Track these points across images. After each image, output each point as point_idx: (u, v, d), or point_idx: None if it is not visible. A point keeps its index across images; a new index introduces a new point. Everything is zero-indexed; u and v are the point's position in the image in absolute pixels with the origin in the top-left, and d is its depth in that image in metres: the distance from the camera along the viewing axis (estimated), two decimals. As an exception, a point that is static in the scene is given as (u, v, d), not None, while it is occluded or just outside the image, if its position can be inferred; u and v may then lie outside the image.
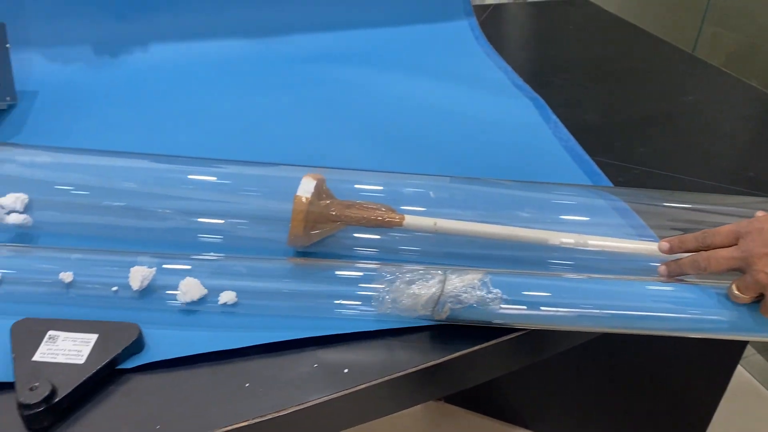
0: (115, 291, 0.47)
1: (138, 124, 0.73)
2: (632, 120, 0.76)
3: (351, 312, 0.47)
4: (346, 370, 0.44)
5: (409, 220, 0.51)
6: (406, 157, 0.67)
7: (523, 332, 0.47)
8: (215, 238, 0.54)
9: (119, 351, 0.43)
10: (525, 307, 0.46)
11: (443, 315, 0.45)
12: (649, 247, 0.51)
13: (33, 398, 0.39)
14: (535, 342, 0.49)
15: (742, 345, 0.94)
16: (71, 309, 0.47)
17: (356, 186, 0.56)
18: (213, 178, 0.58)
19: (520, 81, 0.81)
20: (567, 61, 0.91)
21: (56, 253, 0.50)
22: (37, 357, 0.42)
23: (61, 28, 0.81)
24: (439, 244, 0.53)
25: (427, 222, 0.51)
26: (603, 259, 0.53)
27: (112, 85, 0.79)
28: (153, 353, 0.44)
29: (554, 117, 0.73)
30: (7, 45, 0.73)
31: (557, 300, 0.46)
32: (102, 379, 0.42)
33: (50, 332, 0.44)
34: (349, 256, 0.53)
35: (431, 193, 0.57)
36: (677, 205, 0.58)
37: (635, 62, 0.93)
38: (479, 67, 0.86)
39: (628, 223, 0.54)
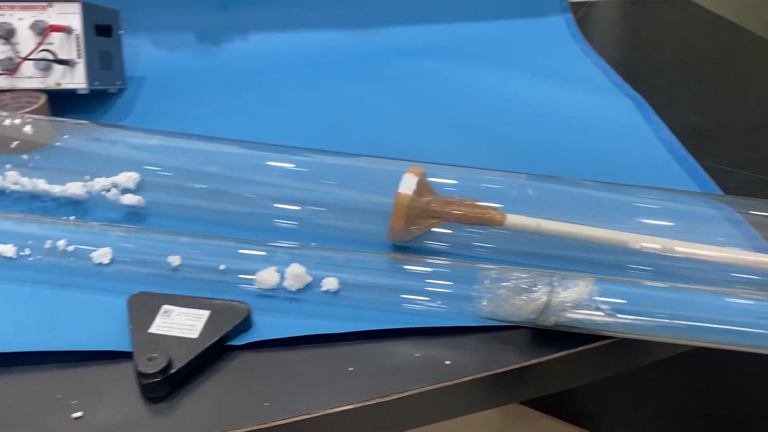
0: (222, 275, 0.49)
1: (236, 110, 0.76)
2: (739, 123, 0.73)
3: (450, 309, 0.47)
4: (448, 362, 0.44)
5: (511, 219, 0.50)
6: (498, 154, 0.67)
7: (622, 339, 0.46)
8: (312, 229, 0.55)
9: (230, 328, 0.44)
10: (627, 316, 0.44)
11: (546, 324, 0.45)
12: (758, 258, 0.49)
13: (151, 368, 0.41)
14: (635, 349, 0.48)
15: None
16: (180, 290, 0.48)
17: (445, 180, 0.56)
18: (304, 169, 0.59)
19: (619, 80, 0.79)
20: (667, 60, 0.88)
21: (165, 236, 0.52)
22: (153, 329, 0.44)
23: (168, 15, 0.84)
24: (518, 243, 0.53)
25: (529, 222, 0.50)
26: (707, 269, 0.51)
27: (213, 72, 0.82)
28: (260, 333, 0.45)
29: (656, 117, 0.71)
30: (120, 31, 0.77)
31: (662, 311, 0.45)
32: (213, 354, 0.44)
33: (165, 306, 0.46)
34: (443, 252, 0.53)
35: (530, 191, 0.56)
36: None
37: (739, 63, 0.89)
38: (576, 65, 0.84)
39: (743, 235, 0.52)
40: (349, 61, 0.84)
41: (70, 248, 0.51)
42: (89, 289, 0.49)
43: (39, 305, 0.48)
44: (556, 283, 0.45)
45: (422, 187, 0.52)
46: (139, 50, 0.84)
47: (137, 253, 0.51)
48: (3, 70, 0.68)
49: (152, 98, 0.77)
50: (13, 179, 0.59)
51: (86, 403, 0.41)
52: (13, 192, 0.59)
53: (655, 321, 0.44)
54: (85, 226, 0.53)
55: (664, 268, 0.51)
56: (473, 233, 0.53)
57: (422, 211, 0.51)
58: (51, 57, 0.67)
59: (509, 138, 0.69)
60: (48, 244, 0.51)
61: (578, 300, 0.44)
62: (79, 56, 0.68)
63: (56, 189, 0.57)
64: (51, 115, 0.69)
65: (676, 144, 0.66)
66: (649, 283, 0.47)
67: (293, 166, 0.58)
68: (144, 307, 0.46)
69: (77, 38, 0.68)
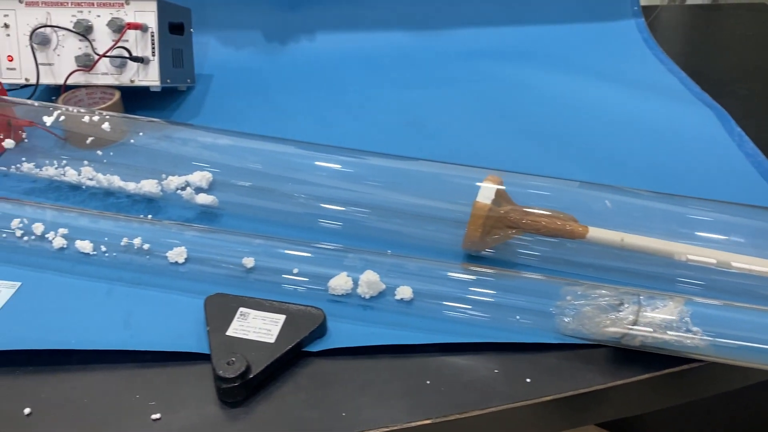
0: (295, 279, 0.49)
1: (302, 111, 0.75)
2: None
3: (529, 324, 0.46)
4: (528, 380, 0.42)
5: (593, 232, 0.48)
6: (570, 163, 0.65)
7: (710, 363, 0.43)
8: (382, 235, 0.54)
9: (306, 334, 0.44)
10: (716, 338, 0.42)
11: (632, 344, 0.43)
12: None
13: (230, 372, 0.40)
14: (725, 374, 0.46)
15: None
16: (252, 292, 0.48)
17: (517, 189, 0.55)
18: (377, 175, 0.58)
19: (697, 88, 0.76)
20: (748, 69, 0.84)
21: (239, 237, 0.52)
22: (230, 332, 0.44)
23: (236, 14, 0.85)
24: (574, 253, 0.51)
25: (612, 236, 0.48)
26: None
27: (280, 71, 0.82)
28: (335, 340, 0.45)
29: (738, 129, 0.68)
30: (191, 29, 0.77)
31: (754, 335, 0.43)
32: (289, 360, 0.43)
33: (241, 309, 0.45)
34: (520, 265, 0.51)
35: (607, 202, 0.55)
36: None
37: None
38: (649, 71, 0.81)
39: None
40: (416, 63, 0.83)
41: (146, 246, 0.51)
42: (164, 287, 0.50)
43: (115, 303, 0.48)
44: (644, 302, 0.43)
45: (500, 197, 0.50)
46: (207, 48, 0.85)
47: (211, 254, 0.51)
48: (80, 66, 0.69)
49: (220, 96, 0.78)
50: (89, 175, 0.60)
51: (164, 405, 0.41)
52: (89, 187, 0.60)
53: (749, 345, 0.42)
54: (159, 224, 0.54)
55: (750, 287, 0.49)
56: (539, 243, 0.52)
57: (500, 221, 0.50)
58: (127, 54, 0.68)
59: (583, 146, 0.67)
60: (124, 242, 0.51)
61: (667, 320, 0.42)
62: (153, 54, 0.69)
63: (131, 186, 0.58)
64: (124, 112, 0.70)
65: (761, 158, 0.63)
66: (742, 305, 0.45)
67: (366, 171, 0.57)
68: (220, 308, 0.46)
69: (152, 36, 0.68)
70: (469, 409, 0.41)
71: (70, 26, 0.68)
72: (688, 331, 0.42)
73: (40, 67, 0.69)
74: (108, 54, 0.68)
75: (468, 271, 0.49)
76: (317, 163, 0.58)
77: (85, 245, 0.52)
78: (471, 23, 0.87)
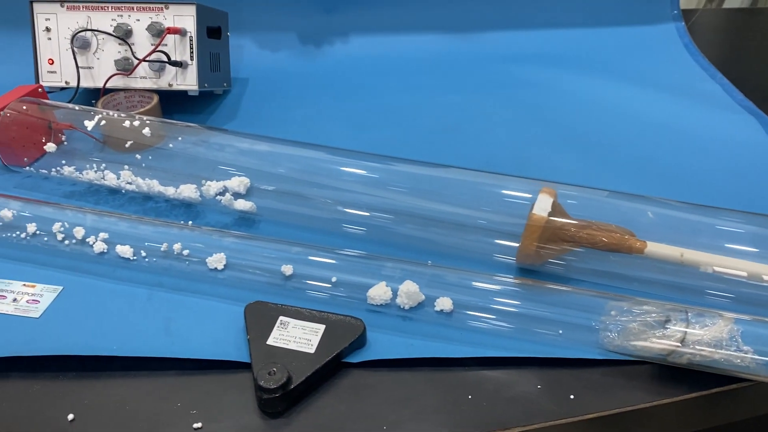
0: (333, 288, 0.49)
1: (338, 115, 0.75)
2: None
3: (572, 339, 0.45)
4: (572, 397, 0.42)
5: (652, 247, 0.47)
6: (613, 173, 0.64)
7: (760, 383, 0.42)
8: (426, 246, 0.54)
9: (346, 345, 0.44)
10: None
11: (679, 362, 0.42)
12: None
13: (272, 383, 0.40)
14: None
15: None
16: (290, 300, 0.48)
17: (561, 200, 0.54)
18: (424, 184, 0.57)
19: (740, 95, 0.75)
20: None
21: (278, 245, 0.52)
22: (270, 341, 0.44)
23: (272, 17, 0.85)
24: (604, 263, 0.50)
25: (672, 252, 0.47)
26: None
27: (316, 74, 0.82)
28: (375, 351, 0.45)
29: (785, 139, 0.67)
30: (228, 33, 0.77)
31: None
32: (329, 371, 0.43)
33: (281, 318, 0.45)
34: (575, 280, 0.50)
35: (649, 213, 0.54)
36: None
37: None
38: (690, 77, 0.80)
39: None
40: (454, 67, 0.82)
41: (185, 252, 0.51)
42: (204, 294, 0.50)
43: (156, 309, 0.49)
44: (692, 320, 0.42)
45: (556, 209, 0.49)
46: (242, 52, 0.85)
47: (250, 261, 0.51)
48: (119, 69, 0.69)
49: (256, 100, 0.78)
50: (128, 179, 0.60)
51: (204, 414, 0.41)
52: (128, 191, 0.60)
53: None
54: (199, 230, 0.54)
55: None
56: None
57: (556, 234, 0.48)
58: (165, 58, 0.68)
59: (624, 154, 0.66)
60: (164, 247, 0.52)
61: (716, 339, 0.41)
62: (191, 58, 0.69)
63: (170, 191, 0.58)
64: (161, 116, 0.70)
65: (809, 169, 0.62)
66: (793, 324, 0.43)
67: (409, 180, 0.56)
68: (260, 317, 0.46)
69: (190, 40, 0.69)
70: (511, 425, 0.40)
71: (110, 30, 0.69)
72: (738, 350, 0.41)
73: (80, 70, 0.70)
74: (147, 58, 0.68)
75: (508, 284, 0.48)
76: (355, 170, 0.58)
77: (125, 250, 0.52)
78: (508, 27, 0.86)
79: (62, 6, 0.69)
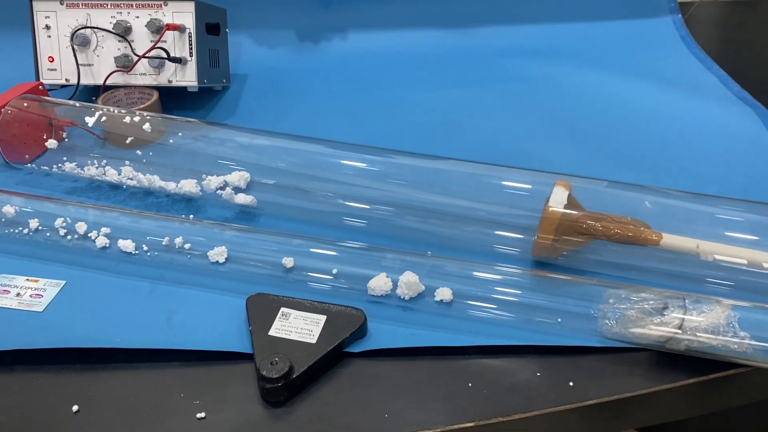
0: (334, 279, 0.49)
1: (337, 110, 0.76)
2: None
3: (571, 328, 0.45)
4: (571, 384, 0.42)
5: (667, 239, 0.47)
6: (613, 164, 0.64)
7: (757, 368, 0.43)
8: (433, 237, 0.54)
9: (347, 335, 0.44)
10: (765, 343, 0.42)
11: (677, 349, 0.43)
12: None
13: (274, 373, 0.41)
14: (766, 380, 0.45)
15: None
16: (292, 292, 0.48)
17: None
18: (427, 178, 0.57)
19: (737, 87, 0.75)
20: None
21: (279, 237, 0.52)
22: (272, 332, 0.44)
23: (270, 14, 0.85)
24: (612, 254, 0.50)
25: (687, 243, 0.47)
26: None
27: (314, 71, 0.82)
28: (375, 341, 0.45)
29: (782, 129, 0.67)
30: (227, 30, 0.78)
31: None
32: (331, 361, 0.43)
33: (283, 309, 0.46)
34: (592, 273, 0.50)
35: (647, 203, 0.54)
36: None
37: None
38: (687, 69, 0.80)
39: None
40: (449, 62, 0.82)
41: (187, 246, 0.52)
42: (205, 287, 0.50)
43: (158, 302, 0.49)
44: (689, 306, 0.42)
45: (571, 202, 0.50)
46: (241, 48, 0.85)
47: (252, 253, 0.51)
48: (119, 66, 0.70)
49: (255, 96, 0.78)
50: (129, 174, 0.60)
51: (208, 404, 0.41)
52: (129, 187, 0.61)
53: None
54: (200, 224, 0.54)
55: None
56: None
57: (572, 227, 0.48)
58: (165, 55, 0.69)
59: (622, 146, 0.67)
60: (165, 241, 0.52)
61: (714, 325, 0.41)
62: (191, 54, 0.70)
63: (171, 186, 0.59)
64: (161, 112, 0.71)
65: (806, 159, 0.62)
66: (789, 310, 0.44)
67: (411, 173, 0.57)
68: (262, 308, 0.46)
69: (190, 36, 0.69)
70: (512, 412, 0.40)
71: (110, 27, 0.69)
72: (735, 335, 0.41)
73: (80, 67, 0.70)
74: (147, 55, 0.69)
75: (508, 273, 0.48)
76: (355, 163, 0.58)
77: (127, 244, 0.52)
78: (505, 21, 0.87)
79: (62, 4, 0.70)
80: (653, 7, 0.90)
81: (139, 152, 0.62)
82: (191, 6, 0.69)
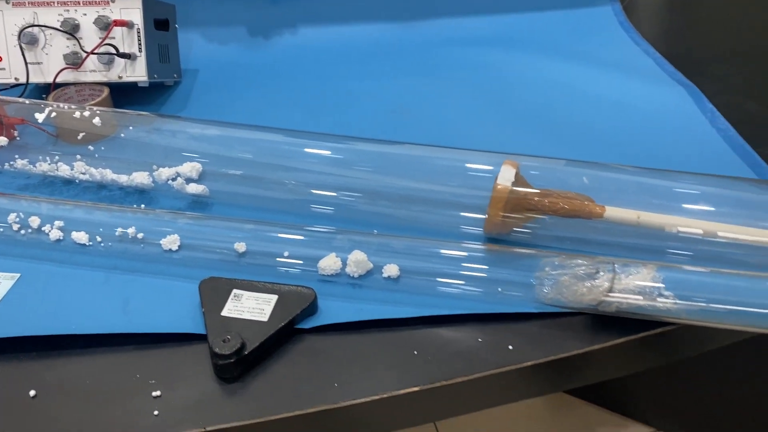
0: (285, 261, 0.51)
1: (289, 103, 0.77)
2: (797, 111, 0.72)
3: (510, 295, 0.48)
4: (510, 347, 0.44)
5: (610, 211, 0.50)
6: (555, 144, 0.67)
7: (684, 326, 0.46)
8: (395, 220, 0.56)
9: (298, 312, 0.46)
10: (689, 302, 0.44)
11: (608, 310, 0.45)
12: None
13: (226, 349, 0.42)
14: (697, 336, 0.48)
15: None
16: (245, 275, 0.50)
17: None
18: (357, 158, 0.59)
19: (671, 68, 0.79)
20: (720, 48, 0.87)
21: (231, 223, 0.54)
22: (225, 312, 0.46)
23: (220, 10, 0.86)
24: (566, 229, 0.53)
25: (629, 215, 0.50)
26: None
27: (265, 65, 0.84)
28: (326, 317, 0.47)
29: (710, 106, 0.70)
30: (176, 25, 0.79)
31: (727, 297, 0.45)
32: (282, 337, 0.45)
33: (234, 291, 0.47)
34: (541, 246, 0.52)
35: (584, 178, 0.57)
36: None
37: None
38: (626, 54, 0.84)
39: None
40: (400, 53, 0.84)
41: (140, 235, 0.53)
42: (159, 274, 0.51)
43: (113, 290, 0.50)
44: (618, 270, 0.45)
45: (518, 179, 0.52)
46: (192, 44, 0.86)
47: (204, 240, 0.53)
48: (68, 64, 0.70)
49: (206, 91, 0.79)
50: (82, 169, 0.61)
51: (163, 383, 0.43)
52: (82, 181, 0.61)
53: (720, 307, 0.44)
54: (153, 213, 0.55)
55: (736, 256, 0.51)
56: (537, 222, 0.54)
57: (520, 203, 0.51)
58: (114, 51, 0.69)
59: (566, 128, 0.70)
60: (119, 232, 0.53)
61: (641, 286, 0.44)
62: (139, 50, 0.70)
63: (123, 179, 0.60)
64: (113, 107, 0.71)
65: (732, 132, 0.66)
66: (714, 269, 0.47)
67: (356, 156, 0.59)
68: (214, 291, 0.47)
69: (138, 32, 0.70)
70: (455, 376, 0.43)
71: (58, 25, 0.70)
72: (660, 295, 0.44)
73: (29, 66, 0.71)
74: (96, 51, 0.69)
75: (450, 247, 0.51)
76: (307, 149, 0.60)
77: (80, 236, 0.53)
78: (453, 13, 0.89)
79: (8, 3, 0.70)
80: (594, -5, 0.94)
81: (91, 147, 0.63)
82: (138, 2, 0.69)
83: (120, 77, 0.71)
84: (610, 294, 0.44)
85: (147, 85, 0.72)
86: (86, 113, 0.62)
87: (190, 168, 0.59)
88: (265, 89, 0.79)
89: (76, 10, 0.70)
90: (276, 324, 0.45)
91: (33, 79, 0.71)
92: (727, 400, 1.00)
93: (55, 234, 0.54)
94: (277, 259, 0.51)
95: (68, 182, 0.62)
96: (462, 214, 0.55)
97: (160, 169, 0.59)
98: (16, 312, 0.48)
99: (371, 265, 0.50)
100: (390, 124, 0.71)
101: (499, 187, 0.51)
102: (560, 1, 0.93)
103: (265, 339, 0.44)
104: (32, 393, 0.42)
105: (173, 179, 0.58)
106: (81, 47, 0.70)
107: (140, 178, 0.59)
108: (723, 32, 0.93)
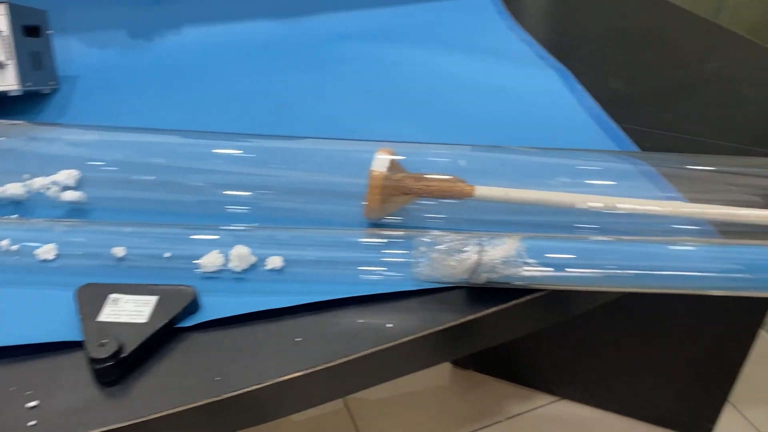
0: (167, 262, 0.50)
1: (174, 105, 0.76)
2: (657, 87, 0.77)
3: (389, 277, 0.50)
4: (389, 325, 0.46)
5: (479, 190, 0.53)
6: (438, 129, 0.69)
7: (552, 291, 0.49)
8: (282, 212, 0.57)
9: (178, 311, 0.46)
10: (553, 269, 0.48)
11: (479, 282, 0.48)
12: (682, 208, 0.53)
13: (102, 353, 0.42)
14: (563, 300, 0.51)
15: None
16: (126, 279, 0.49)
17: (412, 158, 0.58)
18: (243, 154, 0.60)
19: (544, 52, 0.83)
20: (591, 32, 0.92)
21: (109, 228, 0.53)
22: (102, 317, 0.45)
23: (98, 14, 0.84)
24: (504, 213, 0.55)
25: (497, 192, 0.53)
26: (637, 222, 0.55)
27: (149, 67, 0.82)
28: (208, 313, 0.47)
29: (579, 86, 0.75)
30: (49, 31, 0.76)
31: (586, 261, 0.48)
32: (163, 337, 0.45)
33: (112, 295, 0.47)
34: (419, 226, 0.54)
35: (461, 161, 0.59)
36: (704, 167, 0.59)
37: (659, 31, 0.94)
38: (502, 40, 0.87)
39: (656, 186, 0.56)
40: (285, 49, 0.85)
41: (14, 247, 0.51)
42: (36, 284, 0.50)
43: (-14, 305, 0.48)
44: (485, 243, 0.48)
45: (394, 165, 0.54)
46: (70, 50, 0.83)
47: (82, 247, 0.52)
48: (-70, 76, 0.67)
49: (87, 96, 0.77)
50: (-51, 185, 0.59)
51: (41, 393, 0.42)
52: (-50, 197, 0.59)
53: (582, 272, 0.47)
54: (27, 223, 0.54)
55: (608, 224, 0.54)
56: (427, 207, 0.56)
57: (396, 188, 0.53)
58: (-21, 60, 0.67)
59: (448, 113, 0.72)
60: (-10, 245, 0.51)
61: (506, 257, 0.47)
62: (8, 58, 0.68)
63: (-6, 191, 0.57)
64: (-16, 119, 0.68)
65: (598, 110, 0.70)
66: (577, 236, 0.50)
67: (241, 152, 0.60)
68: (92, 297, 0.47)
69: (5, 40, 0.67)
70: (336, 358, 0.44)
71: None
72: (525, 264, 0.47)
73: None
74: (-41, 61, 0.66)
75: (332, 235, 0.52)
76: (189, 148, 0.60)
77: (-50, 252, 0.51)
78: (336, 7, 0.90)
79: None
80: (472, -14, 0.97)
81: (-40, 162, 0.60)
82: (3, 8, 0.67)
83: (-11, 87, 0.68)
84: (479, 267, 0.47)
85: (20, 93, 0.69)
86: (-50, 126, 0.60)
87: (67, 175, 0.58)
88: (149, 92, 0.78)
89: (-65, 20, 0.67)
90: (155, 325, 0.45)
91: None
92: (619, 363, 1.07)
93: None
94: (158, 260, 0.51)
95: (-65, 199, 0.59)
96: (345, 202, 0.56)
97: (34, 178, 0.58)
98: None
99: (255, 259, 0.51)
100: (276, 121, 0.72)
101: (374, 174, 0.53)
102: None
103: (144, 340, 0.44)
104: None
105: (47, 188, 0.57)
106: (-57, 58, 0.67)
107: (12, 189, 0.57)
108: (592, 17, 0.99)
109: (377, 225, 0.55)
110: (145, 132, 0.63)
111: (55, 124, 0.65)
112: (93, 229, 0.53)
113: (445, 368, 1.19)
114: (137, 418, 0.41)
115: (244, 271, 0.50)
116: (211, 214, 0.56)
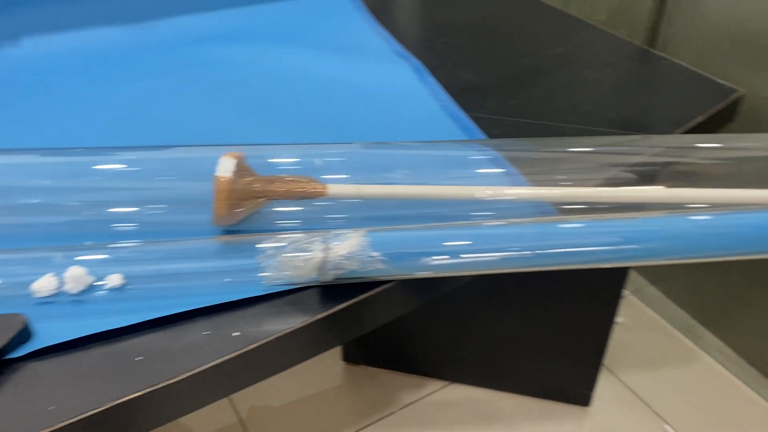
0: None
1: (11, 120, 0.71)
2: (504, 75, 0.80)
3: (237, 284, 0.49)
4: (237, 333, 0.45)
5: (332, 189, 0.52)
6: (298, 129, 0.68)
7: (401, 281, 0.50)
8: (130, 227, 0.54)
9: (5, 342, 0.43)
10: (401, 261, 0.48)
11: (328, 279, 0.48)
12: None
13: None
14: (410, 289, 0.52)
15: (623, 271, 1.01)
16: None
17: (262, 161, 0.57)
18: (121, 166, 0.57)
19: (399, 47, 0.84)
20: (446, 25, 0.94)
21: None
22: None
23: None
24: (362, 209, 0.55)
25: (349, 189, 0.53)
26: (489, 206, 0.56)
27: (-17, 83, 0.76)
28: (42, 340, 0.44)
29: (431, 79, 0.76)
30: None
31: (433, 249, 0.49)
32: (-12, 372, 0.42)
33: (-70, 332, 0.43)
34: (275, 230, 0.53)
35: (316, 161, 0.59)
36: (548, 150, 0.62)
37: (511, 21, 0.97)
38: (359, 37, 0.88)
39: (503, 171, 0.58)
40: (135, 56, 0.81)
41: None
42: None
43: None
44: (330, 240, 0.48)
45: (242, 170, 0.52)
46: None
47: None
48: None
49: None
50: None
51: None
52: None
53: (419, 260, 0.48)
54: None
55: (462, 212, 0.56)
56: (282, 210, 0.55)
57: (245, 192, 0.51)
58: None
59: (302, 113, 0.72)
60: None
61: (351, 252, 0.47)
62: None
63: None
64: None
65: (448, 101, 0.72)
66: (420, 226, 0.51)
67: (105, 166, 0.57)
68: None
69: None
70: (180, 372, 0.43)
71: None
72: (369, 257, 0.47)
73: None
74: None
75: (178, 246, 0.50)
76: (31, 166, 0.56)
77: None
78: (190, 10, 0.87)
79: None
80: (329, -17, 0.97)
81: None
82: None
83: None
84: (325, 264, 0.47)
85: None
86: None
87: None
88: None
89: None
90: (-22, 358, 0.42)
91: None
92: (500, 343, 1.11)
93: None
94: (-16, 290, 0.47)
95: None
96: (195, 211, 0.55)
97: None
98: None
99: (92, 279, 0.48)
100: (122, 131, 0.68)
101: (219, 179, 0.51)
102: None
103: (-36, 377, 0.41)
104: None
105: None
106: None
107: None
108: (450, 11, 1.01)
109: (229, 232, 0.54)
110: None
111: None
112: None
113: (339, 366, 1.20)
114: (-41, 463, 0.38)
115: (82, 292, 0.48)
116: (48, 235, 0.53)
